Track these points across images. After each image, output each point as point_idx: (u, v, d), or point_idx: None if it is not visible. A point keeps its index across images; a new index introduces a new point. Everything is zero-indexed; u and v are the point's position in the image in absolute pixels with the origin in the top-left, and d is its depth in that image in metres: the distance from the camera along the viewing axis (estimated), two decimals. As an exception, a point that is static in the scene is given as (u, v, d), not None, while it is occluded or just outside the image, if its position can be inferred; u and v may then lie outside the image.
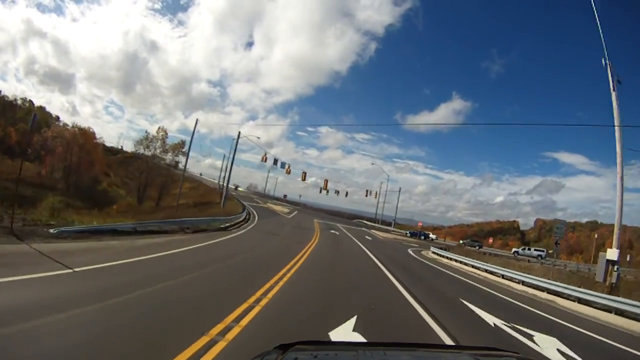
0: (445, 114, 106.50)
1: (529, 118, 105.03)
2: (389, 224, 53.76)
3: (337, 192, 52.73)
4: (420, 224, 58.78)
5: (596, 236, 48.79)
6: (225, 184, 36.23)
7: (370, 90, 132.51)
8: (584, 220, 71.15)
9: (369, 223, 60.53)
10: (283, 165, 35.06)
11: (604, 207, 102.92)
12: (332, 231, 30.42)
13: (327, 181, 41.21)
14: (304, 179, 37.32)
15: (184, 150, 42.75)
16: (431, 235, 49.74)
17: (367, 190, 47.00)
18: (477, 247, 42.20)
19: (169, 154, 43.74)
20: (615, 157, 14.17)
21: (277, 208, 48.65)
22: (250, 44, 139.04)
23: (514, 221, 73.20)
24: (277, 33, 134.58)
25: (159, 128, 46.37)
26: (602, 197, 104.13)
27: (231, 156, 35.78)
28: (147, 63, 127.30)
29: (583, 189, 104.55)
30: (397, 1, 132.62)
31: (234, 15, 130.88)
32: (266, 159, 34.72)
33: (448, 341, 5.15)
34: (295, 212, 48.26)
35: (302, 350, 1.57)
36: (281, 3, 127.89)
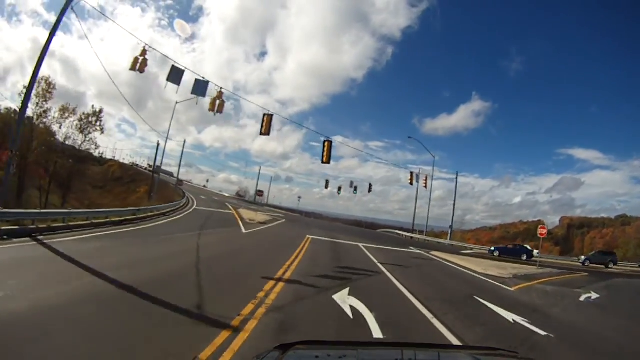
0: (465, 115, 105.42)
1: (549, 116, 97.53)
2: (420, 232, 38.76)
3: (355, 187, 38.60)
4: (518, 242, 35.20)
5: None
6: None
7: (387, 96, 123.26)
8: (613, 215, 65.21)
9: (404, 234, 40.54)
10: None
11: (620, 201, 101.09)
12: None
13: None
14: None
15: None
16: (535, 252, 25.99)
17: (412, 173, 28.67)
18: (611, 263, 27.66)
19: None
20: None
21: (249, 215, 27.52)
22: (263, 54, 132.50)
23: (539, 220, 63.78)
24: (290, 42, 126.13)
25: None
26: (618, 192, 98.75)
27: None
28: (157, 78, 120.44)
29: (599, 184, 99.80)
30: (413, 2, 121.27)
31: (245, 24, 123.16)
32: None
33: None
34: (282, 221, 28.43)
35: (302, 350, 1.59)
36: (293, 11, 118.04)
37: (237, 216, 25.52)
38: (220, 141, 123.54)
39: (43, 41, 12.66)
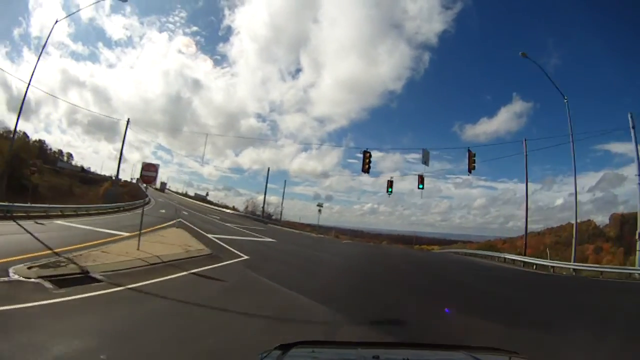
0: (506, 118, 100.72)
1: (584, 111, 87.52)
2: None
3: (390, 184, 29.25)
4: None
5: None
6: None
7: (426, 105, 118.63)
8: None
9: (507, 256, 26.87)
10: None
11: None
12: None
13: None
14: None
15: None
16: None
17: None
18: None
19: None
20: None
21: (155, 246, 15.29)
22: (297, 71, 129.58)
23: (589, 221, 60.18)
24: (324, 56, 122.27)
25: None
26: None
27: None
28: (191, 103, 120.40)
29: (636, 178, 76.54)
30: (446, 4, 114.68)
31: (277, 42, 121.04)
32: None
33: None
34: (244, 258, 14.78)
35: (302, 350, 1.65)
36: (325, 24, 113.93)
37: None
38: (258, 163, 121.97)
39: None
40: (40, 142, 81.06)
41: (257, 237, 22.40)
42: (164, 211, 34.24)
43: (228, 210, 57.30)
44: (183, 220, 24.75)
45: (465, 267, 21.56)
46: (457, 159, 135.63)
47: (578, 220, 23.60)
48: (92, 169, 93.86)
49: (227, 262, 11.29)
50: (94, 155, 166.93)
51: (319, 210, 36.99)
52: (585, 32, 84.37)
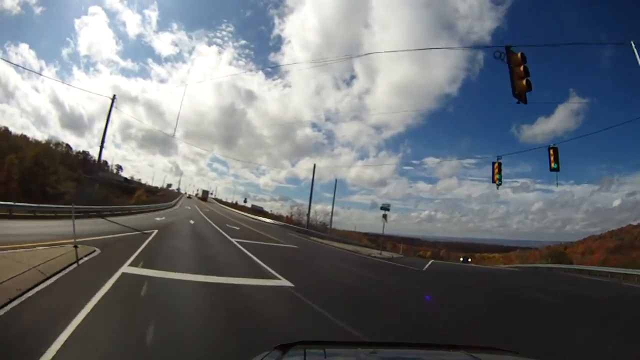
0: (564, 116, 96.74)
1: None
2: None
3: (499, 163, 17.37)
4: None
5: None
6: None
7: (483, 106, 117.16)
8: None
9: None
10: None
11: None
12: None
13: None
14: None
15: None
16: None
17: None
18: None
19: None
20: None
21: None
22: (352, 78, 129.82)
23: None
24: (378, 61, 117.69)
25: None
26: None
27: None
28: (245, 115, 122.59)
29: None
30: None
31: (329, 49, 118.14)
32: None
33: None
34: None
35: (302, 350, 1.60)
36: (376, 28, 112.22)
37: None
38: (316, 173, 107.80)
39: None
40: (84, 154, 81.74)
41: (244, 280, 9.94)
42: (163, 218, 23.92)
43: (267, 220, 46.33)
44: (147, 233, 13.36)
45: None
46: (512, 162, 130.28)
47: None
48: (144, 181, 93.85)
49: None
50: (148, 168, 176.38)
51: (384, 217, 23.34)
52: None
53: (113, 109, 24.71)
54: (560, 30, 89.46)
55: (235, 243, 15.00)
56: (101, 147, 24.23)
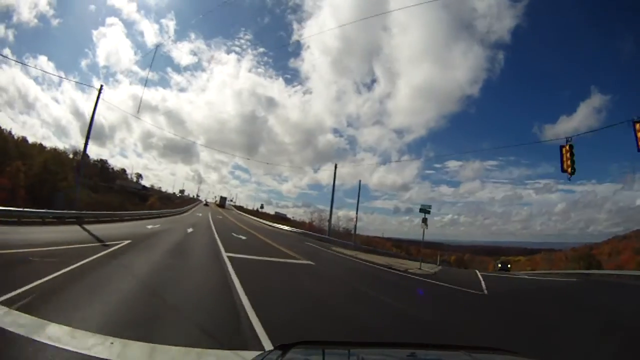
0: (586, 114, 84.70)
1: None
2: None
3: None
4: None
5: None
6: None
7: (504, 107, 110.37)
8: None
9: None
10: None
11: None
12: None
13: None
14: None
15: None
16: None
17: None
18: None
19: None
20: None
21: None
22: (373, 82, 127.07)
23: None
24: (398, 64, 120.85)
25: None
26: None
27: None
28: (266, 122, 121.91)
29: None
30: None
31: (349, 53, 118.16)
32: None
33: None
34: None
35: (302, 350, 1.58)
36: (395, 30, 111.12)
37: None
38: (338, 178, 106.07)
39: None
40: (102, 162, 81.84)
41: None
42: (157, 226, 20.24)
43: (285, 228, 42.13)
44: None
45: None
46: (534, 163, 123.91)
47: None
48: (164, 189, 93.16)
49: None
50: (170, 177, 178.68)
51: (424, 221, 18.39)
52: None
53: (100, 99, 21.53)
54: (579, 26, 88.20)
55: (226, 260, 10.71)
56: (86, 140, 21.14)
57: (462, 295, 11.67)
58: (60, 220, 17.26)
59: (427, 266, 20.42)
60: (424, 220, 18.39)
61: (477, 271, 25.95)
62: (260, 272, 9.81)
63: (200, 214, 43.67)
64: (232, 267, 9.45)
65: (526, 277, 25.28)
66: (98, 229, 16.24)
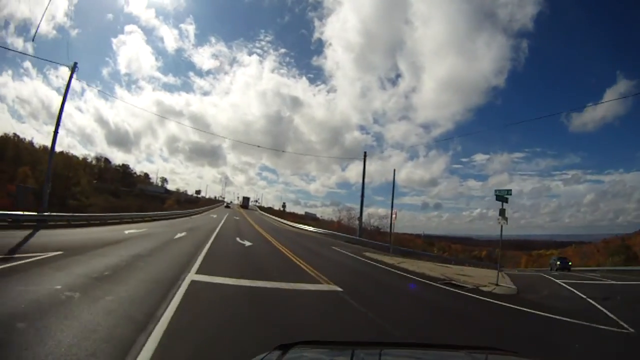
0: (612, 102, 77.20)
1: None
2: None
3: None
4: None
5: None
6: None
7: (530, 96, 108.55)
8: None
9: None
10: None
11: None
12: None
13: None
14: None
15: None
16: None
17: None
18: None
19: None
20: None
21: None
22: (397, 77, 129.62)
23: None
24: (422, 58, 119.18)
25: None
26: None
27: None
28: (292, 122, 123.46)
29: None
30: None
31: (372, 49, 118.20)
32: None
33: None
34: None
35: (302, 350, 1.57)
36: (417, 24, 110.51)
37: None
38: (366, 176, 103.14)
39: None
40: (124, 167, 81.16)
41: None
42: (140, 231, 15.91)
43: (310, 229, 37.13)
44: None
45: None
46: (561, 153, 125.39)
47: None
48: (190, 192, 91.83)
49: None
50: (198, 180, 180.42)
51: (502, 213, 12.42)
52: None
53: (72, 79, 17.51)
54: (601, 10, 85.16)
55: (181, 290, 5.80)
56: (56, 130, 17.07)
57: (604, 346, 5.90)
58: (16, 224, 13.27)
59: (505, 282, 14.15)
60: (502, 213, 12.48)
61: (550, 277, 19.07)
62: (225, 325, 4.74)
63: (215, 216, 39.71)
64: (170, 316, 4.43)
65: (604, 280, 18.05)
66: (50, 234, 12.16)
